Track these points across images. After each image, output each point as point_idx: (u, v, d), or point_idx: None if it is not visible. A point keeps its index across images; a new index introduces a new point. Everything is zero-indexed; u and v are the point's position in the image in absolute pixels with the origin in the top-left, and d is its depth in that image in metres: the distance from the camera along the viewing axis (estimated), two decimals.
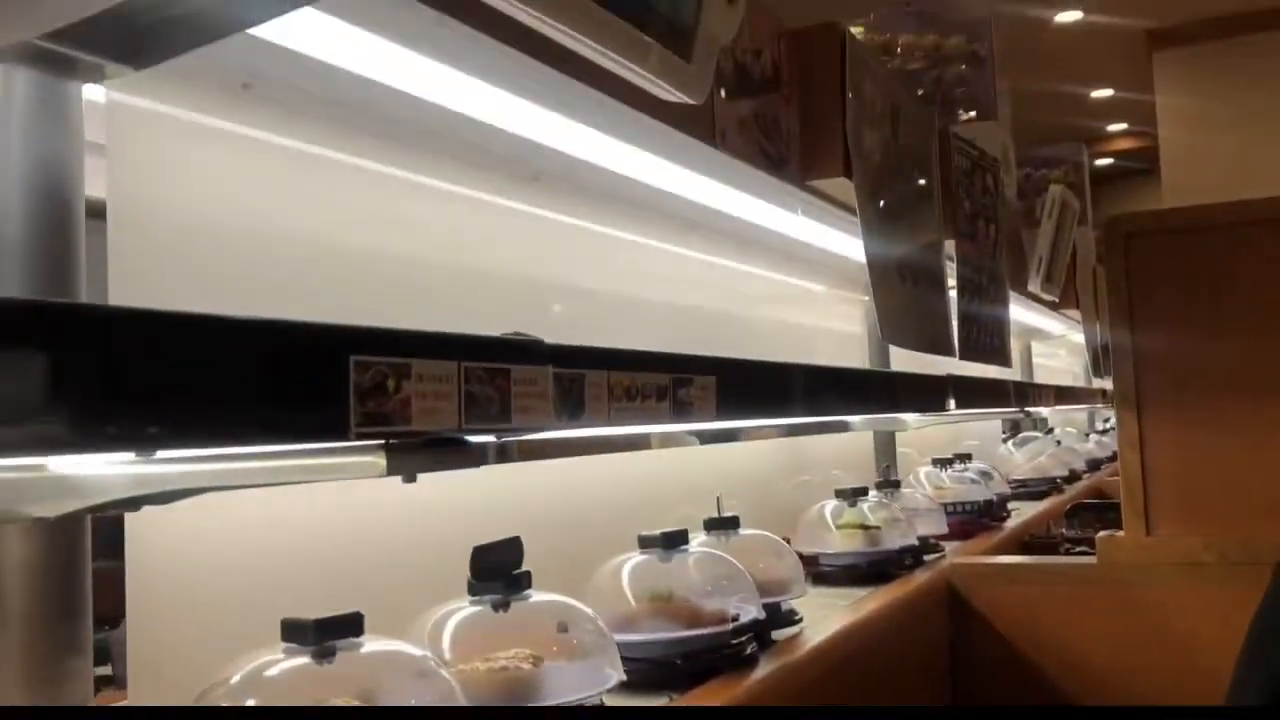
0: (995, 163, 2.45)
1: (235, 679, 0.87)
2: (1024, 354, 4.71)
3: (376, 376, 0.76)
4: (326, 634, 0.89)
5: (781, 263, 2.40)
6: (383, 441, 0.77)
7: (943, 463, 2.79)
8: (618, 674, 1.15)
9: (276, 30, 1.03)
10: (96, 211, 1.00)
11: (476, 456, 0.87)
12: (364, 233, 1.33)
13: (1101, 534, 2.13)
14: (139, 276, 1.04)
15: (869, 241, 1.68)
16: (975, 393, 2.33)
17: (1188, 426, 2.03)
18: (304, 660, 0.89)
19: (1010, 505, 2.93)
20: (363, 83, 1.14)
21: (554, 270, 1.65)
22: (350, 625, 0.91)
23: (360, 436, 0.74)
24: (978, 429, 4.00)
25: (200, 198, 1.13)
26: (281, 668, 0.88)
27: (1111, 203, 9.65)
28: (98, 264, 1.00)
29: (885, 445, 2.95)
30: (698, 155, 1.47)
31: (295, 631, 0.89)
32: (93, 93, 0.95)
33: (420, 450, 0.81)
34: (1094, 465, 4.21)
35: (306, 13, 0.99)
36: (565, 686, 1.08)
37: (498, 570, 1.10)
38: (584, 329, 1.66)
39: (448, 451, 0.84)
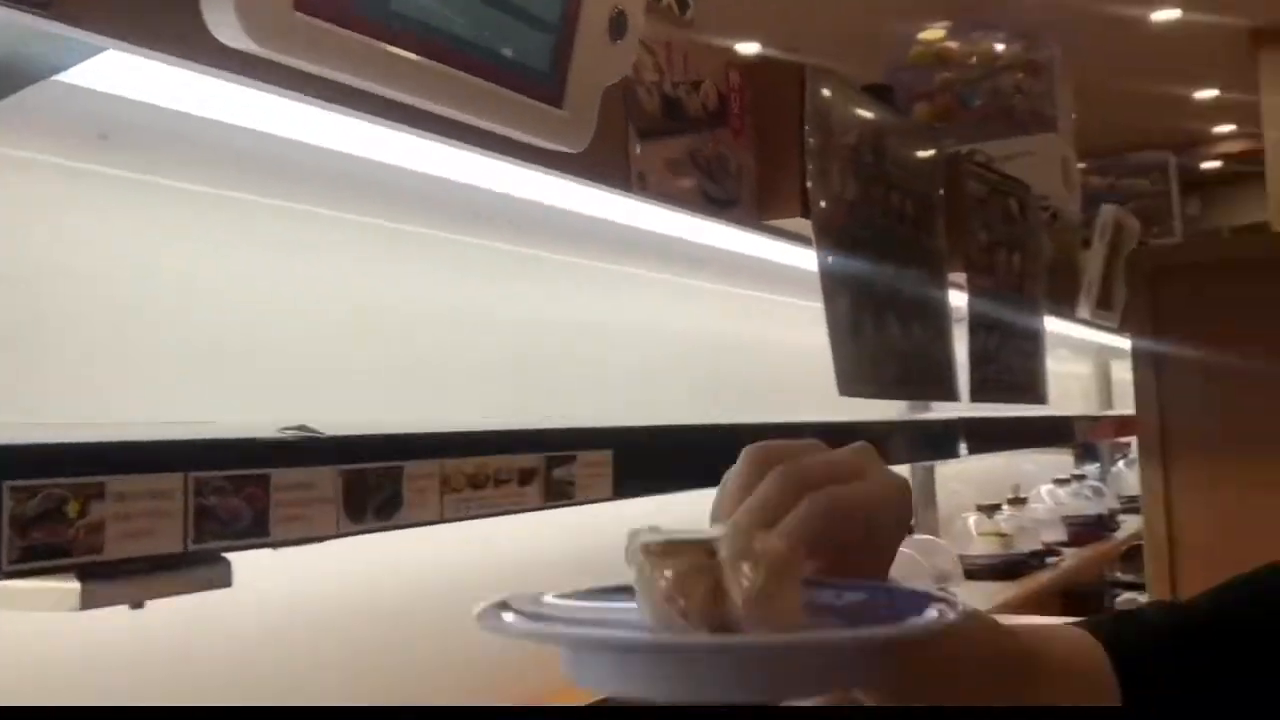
0: (1021, 186, 2.26)
1: None
2: (1102, 378, 4.42)
3: (48, 502, 0.66)
4: None
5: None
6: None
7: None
8: None
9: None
10: None
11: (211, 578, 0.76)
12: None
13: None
14: None
15: (827, 284, 1.53)
16: (988, 436, 2.15)
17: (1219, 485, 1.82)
18: None
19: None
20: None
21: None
22: None
23: (16, 575, 0.64)
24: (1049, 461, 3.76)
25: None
26: None
27: (1224, 208, 9.11)
28: None
29: (924, 483, 2.80)
30: (613, 202, 1.35)
31: None
32: None
33: (126, 577, 0.71)
34: None
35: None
36: None
37: None
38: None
39: (169, 575, 0.74)
